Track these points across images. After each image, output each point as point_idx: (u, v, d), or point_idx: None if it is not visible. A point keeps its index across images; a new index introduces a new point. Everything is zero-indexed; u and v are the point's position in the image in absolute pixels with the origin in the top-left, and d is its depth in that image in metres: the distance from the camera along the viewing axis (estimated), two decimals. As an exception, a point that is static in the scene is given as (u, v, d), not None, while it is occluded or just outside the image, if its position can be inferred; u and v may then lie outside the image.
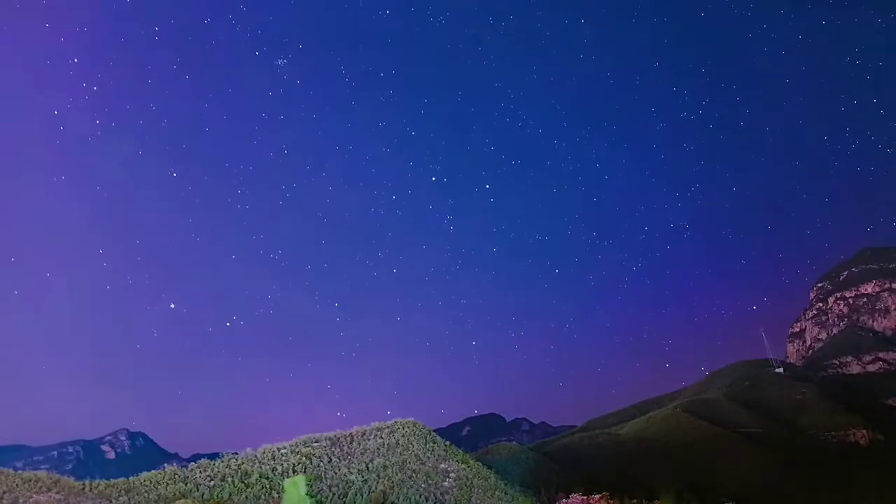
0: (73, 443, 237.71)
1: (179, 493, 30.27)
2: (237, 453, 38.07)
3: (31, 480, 27.26)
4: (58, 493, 26.40)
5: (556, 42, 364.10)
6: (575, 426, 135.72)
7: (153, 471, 34.23)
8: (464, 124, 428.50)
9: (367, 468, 37.82)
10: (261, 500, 31.05)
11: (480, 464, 46.47)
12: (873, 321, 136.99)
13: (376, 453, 40.52)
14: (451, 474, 39.52)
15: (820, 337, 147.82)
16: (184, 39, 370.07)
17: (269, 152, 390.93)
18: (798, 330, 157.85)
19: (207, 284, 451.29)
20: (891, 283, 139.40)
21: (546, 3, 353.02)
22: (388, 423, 47.70)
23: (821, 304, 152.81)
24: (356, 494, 33.89)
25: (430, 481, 37.87)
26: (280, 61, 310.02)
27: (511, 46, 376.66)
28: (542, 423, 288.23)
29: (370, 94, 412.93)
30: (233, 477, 33.67)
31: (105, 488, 29.53)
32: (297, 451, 38.48)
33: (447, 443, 47.80)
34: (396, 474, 37.45)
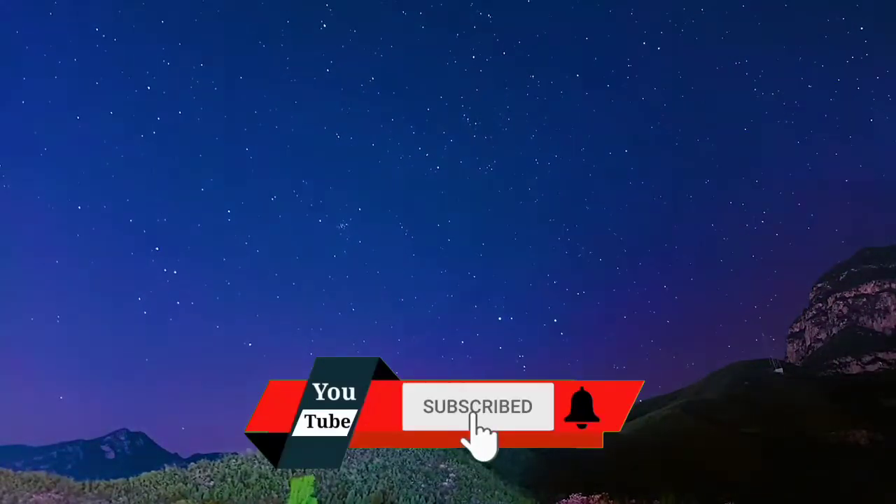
0: (73, 443, 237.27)
1: (179, 493, 30.30)
2: (237, 453, 38.07)
3: (31, 480, 27.28)
4: (58, 493, 26.42)
5: (602, 174, 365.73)
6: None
7: (153, 471, 34.23)
8: (523, 262, 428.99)
9: (367, 468, 37.86)
10: (261, 500, 31.07)
11: (480, 464, 46.52)
12: (873, 321, 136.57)
13: (376, 453, 40.56)
14: (451, 474, 39.57)
15: (819, 337, 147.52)
16: (253, 218, 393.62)
17: (337, 312, 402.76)
18: (797, 330, 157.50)
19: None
20: (891, 283, 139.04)
21: (586, 139, 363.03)
22: (388, 423, 47.74)
23: (820, 305, 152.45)
24: (356, 494, 33.91)
25: (430, 481, 37.91)
26: (342, 225, 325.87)
27: (559, 182, 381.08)
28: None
29: (429, 244, 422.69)
30: (233, 477, 33.69)
31: (105, 488, 29.55)
32: (296, 451, 38.51)
33: (447, 443, 47.80)
34: (396, 474, 37.49)
